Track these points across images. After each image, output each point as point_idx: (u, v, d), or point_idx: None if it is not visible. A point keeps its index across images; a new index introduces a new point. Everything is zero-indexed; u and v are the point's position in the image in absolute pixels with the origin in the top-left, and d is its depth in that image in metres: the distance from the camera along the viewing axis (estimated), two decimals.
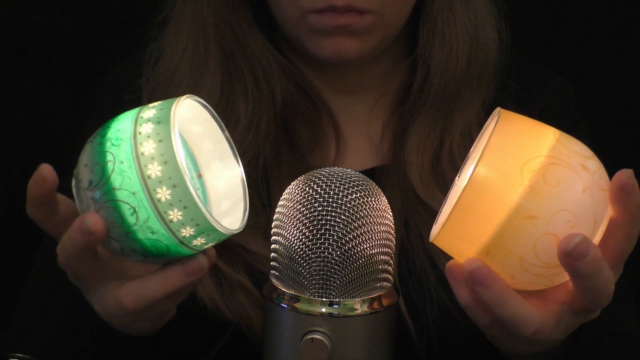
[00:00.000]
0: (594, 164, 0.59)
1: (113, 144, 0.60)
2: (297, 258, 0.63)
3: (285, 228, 0.64)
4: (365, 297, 0.63)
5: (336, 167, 0.65)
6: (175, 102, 0.61)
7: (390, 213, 0.65)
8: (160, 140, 0.59)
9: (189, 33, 0.86)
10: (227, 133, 0.68)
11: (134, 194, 0.59)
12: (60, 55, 1.24)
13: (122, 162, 0.59)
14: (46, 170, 0.61)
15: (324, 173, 0.64)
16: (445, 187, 0.85)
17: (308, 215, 0.62)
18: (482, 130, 0.66)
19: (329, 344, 0.62)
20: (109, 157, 0.60)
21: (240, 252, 0.82)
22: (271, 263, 0.66)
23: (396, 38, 0.88)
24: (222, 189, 0.68)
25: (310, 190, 0.63)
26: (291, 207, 0.63)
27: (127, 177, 0.59)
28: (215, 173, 0.69)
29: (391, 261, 0.66)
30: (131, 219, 0.59)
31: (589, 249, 0.57)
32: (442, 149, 0.86)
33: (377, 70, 0.91)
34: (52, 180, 0.61)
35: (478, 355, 0.82)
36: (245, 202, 0.67)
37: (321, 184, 0.63)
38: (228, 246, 0.82)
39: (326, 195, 0.62)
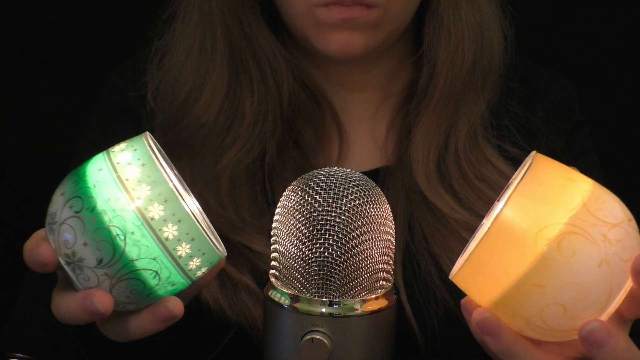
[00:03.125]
0: (618, 233, 0.57)
1: (112, 217, 0.58)
2: (297, 259, 0.62)
3: (284, 229, 0.64)
4: (365, 297, 0.63)
5: (336, 167, 0.65)
6: (153, 154, 0.60)
7: (390, 213, 0.65)
8: (165, 201, 0.59)
9: (196, 28, 0.86)
10: (176, 172, 0.67)
11: (154, 259, 0.59)
12: (60, 55, 1.24)
13: (132, 233, 0.58)
14: (48, 255, 0.60)
15: (323, 173, 0.64)
16: (451, 189, 0.85)
17: (307, 216, 0.62)
18: (517, 171, 0.63)
19: (329, 344, 0.62)
20: (115, 231, 0.58)
21: (244, 252, 0.82)
22: (271, 263, 0.66)
23: (401, 37, 0.88)
24: None
25: (310, 191, 0.63)
26: (290, 207, 0.63)
27: (143, 245, 0.58)
28: None
29: (391, 261, 0.66)
30: (153, 282, 0.60)
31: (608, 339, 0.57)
32: (448, 149, 0.86)
33: (381, 69, 0.91)
34: (55, 265, 0.61)
35: (483, 357, 0.82)
36: (212, 229, 0.67)
37: (321, 184, 0.63)
38: (232, 246, 0.82)
39: (326, 196, 0.62)
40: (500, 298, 0.58)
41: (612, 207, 0.58)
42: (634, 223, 0.59)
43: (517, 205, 0.57)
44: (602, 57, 1.26)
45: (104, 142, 0.91)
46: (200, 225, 0.60)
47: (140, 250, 0.58)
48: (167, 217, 0.58)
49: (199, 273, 0.62)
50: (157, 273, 0.59)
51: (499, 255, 0.57)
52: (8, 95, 1.25)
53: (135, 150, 0.61)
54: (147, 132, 0.63)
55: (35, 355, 0.74)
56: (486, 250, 0.58)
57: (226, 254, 0.64)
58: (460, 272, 0.60)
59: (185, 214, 0.59)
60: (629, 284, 0.58)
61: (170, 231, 0.58)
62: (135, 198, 0.58)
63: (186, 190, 0.67)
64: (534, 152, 0.61)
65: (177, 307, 0.61)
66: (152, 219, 0.58)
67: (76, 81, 1.24)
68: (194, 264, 0.60)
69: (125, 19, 1.22)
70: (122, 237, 0.58)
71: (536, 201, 0.57)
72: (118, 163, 0.60)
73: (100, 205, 0.58)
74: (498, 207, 0.59)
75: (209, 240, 0.60)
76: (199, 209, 0.68)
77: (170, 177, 0.59)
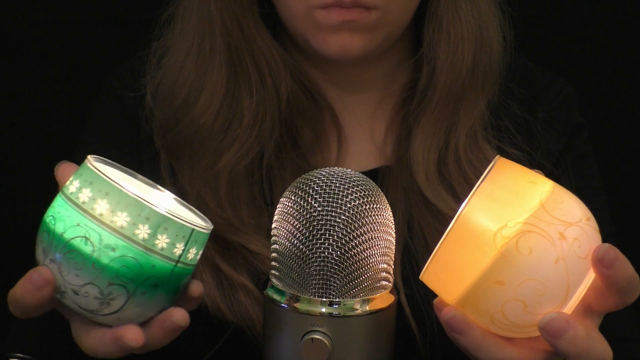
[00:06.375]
0: (575, 231, 0.59)
1: (48, 211, 0.63)
2: (297, 259, 0.63)
3: (284, 229, 0.64)
4: (365, 297, 0.63)
5: (336, 167, 0.65)
6: (88, 162, 0.63)
7: (391, 214, 0.65)
8: (90, 183, 0.61)
9: (195, 29, 0.86)
10: (139, 176, 0.68)
11: (78, 225, 0.60)
12: (60, 55, 1.24)
13: (58, 212, 0.61)
14: (47, 274, 0.61)
15: (323, 173, 0.64)
16: (451, 189, 0.85)
17: (307, 216, 0.62)
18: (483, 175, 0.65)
19: (329, 344, 0.62)
20: (48, 219, 0.62)
21: (242, 253, 0.82)
22: (271, 263, 0.66)
23: (400, 38, 0.88)
24: None
25: (310, 191, 0.63)
26: (290, 206, 0.63)
27: (66, 216, 0.61)
28: None
29: (391, 261, 0.66)
30: (88, 248, 0.60)
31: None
32: (448, 149, 0.86)
33: (380, 70, 0.91)
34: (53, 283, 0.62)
35: None
36: (193, 210, 0.68)
37: (321, 184, 0.63)
38: (230, 246, 0.82)
39: (326, 196, 0.62)
40: (464, 296, 0.59)
41: (570, 207, 0.60)
42: (593, 222, 0.60)
43: (478, 206, 0.59)
44: (602, 57, 1.26)
45: (103, 144, 0.91)
46: (124, 187, 0.60)
47: (65, 221, 0.61)
48: (82, 185, 0.61)
49: (140, 233, 0.60)
50: (86, 238, 0.60)
51: (461, 254, 0.59)
52: (8, 95, 1.25)
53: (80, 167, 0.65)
54: (95, 156, 0.65)
55: (35, 355, 0.74)
56: (449, 249, 0.60)
57: (197, 222, 0.63)
58: (427, 272, 0.62)
59: (97, 177, 0.60)
60: (589, 279, 0.60)
61: (84, 195, 0.60)
62: (65, 189, 0.63)
63: (154, 185, 0.69)
64: (497, 156, 0.63)
65: (184, 318, 0.63)
66: (71, 192, 0.61)
67: (76, 81, 1.24)
68: (121, 219, 0.60)
69: (125, 19, 1.22)
70: (52, 219, 0.62)
71: (496, 201, 0.59)
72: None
73: (47, 213, 0.63)
74: (461, 208, 0.61)
75: (132, 194, 0.60)
76: (175, 198, 0.69)
77: (98, 168, 0.61)
